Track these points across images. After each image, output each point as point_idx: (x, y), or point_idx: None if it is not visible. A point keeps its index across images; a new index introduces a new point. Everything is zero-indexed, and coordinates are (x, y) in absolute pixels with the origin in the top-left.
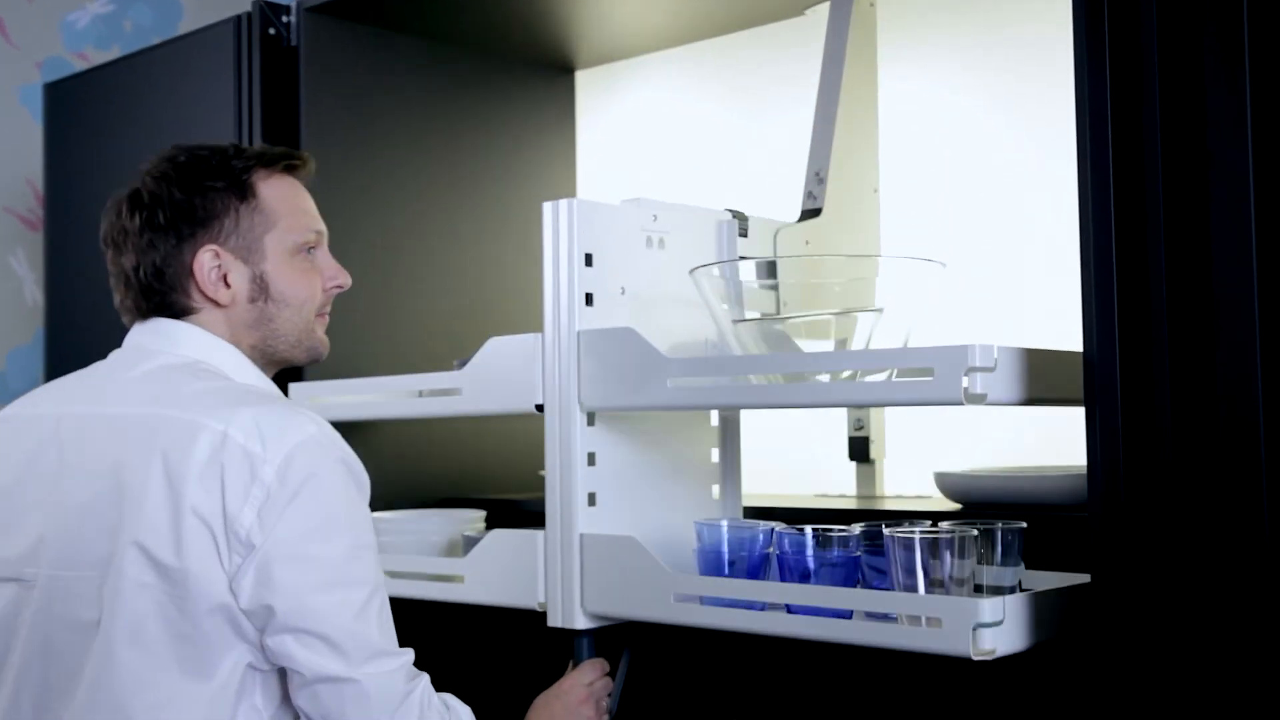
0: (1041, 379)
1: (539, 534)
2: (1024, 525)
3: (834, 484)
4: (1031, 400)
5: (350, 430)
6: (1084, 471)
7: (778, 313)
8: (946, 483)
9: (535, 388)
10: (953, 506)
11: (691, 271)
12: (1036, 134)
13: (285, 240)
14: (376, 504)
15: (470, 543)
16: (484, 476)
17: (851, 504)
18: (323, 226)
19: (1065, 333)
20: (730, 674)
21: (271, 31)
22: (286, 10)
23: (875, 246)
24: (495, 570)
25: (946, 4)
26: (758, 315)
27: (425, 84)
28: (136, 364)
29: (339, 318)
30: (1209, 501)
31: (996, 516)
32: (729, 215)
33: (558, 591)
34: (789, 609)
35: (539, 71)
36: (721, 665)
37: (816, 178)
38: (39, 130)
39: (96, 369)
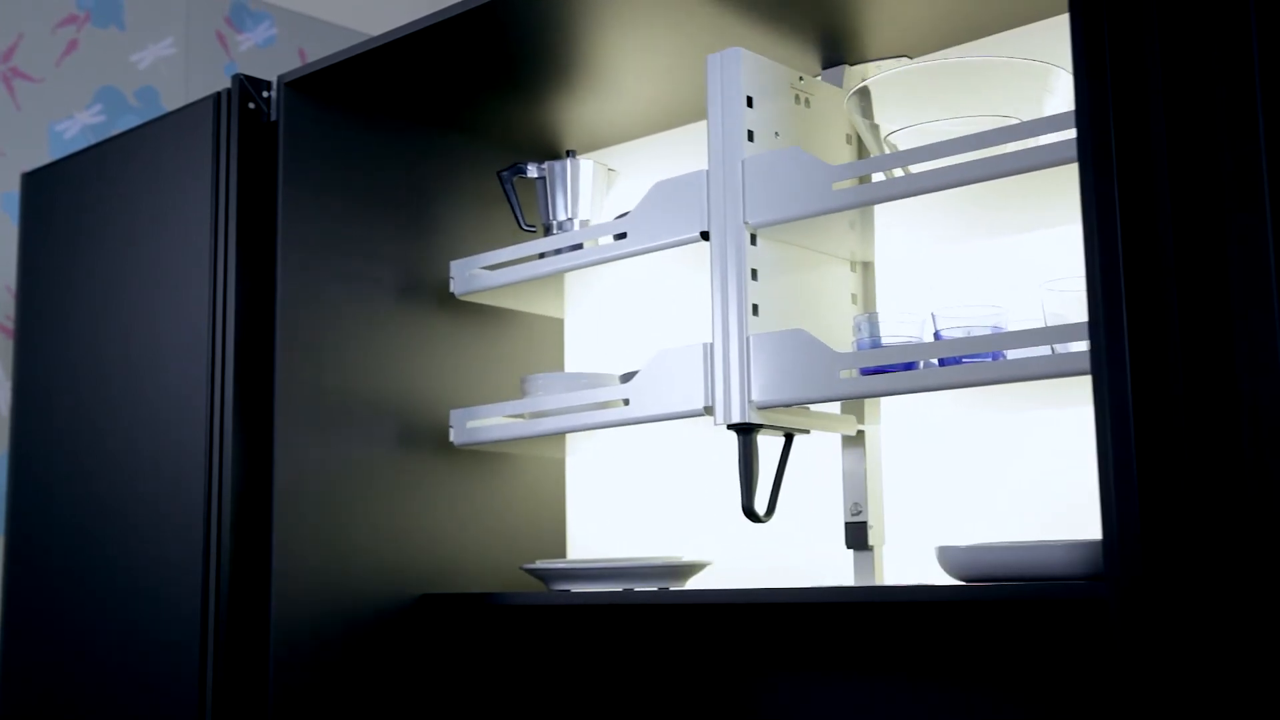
0: None
1: (701, 344)
2: None
3: (833, 574)
4: None
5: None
6: (1093, 541)
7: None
8: (948, 557)
9: (701, 213)
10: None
11: (848, 99)
12: None
13: None
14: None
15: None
16: (459, 572)
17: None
18: None
19: None
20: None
21: (251, 106)
22: (267, 86)
23: None
24: (660, 386)
25: None
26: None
27: (407, 165)
28: None
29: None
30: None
31: (1001, 592)
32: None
33: (723, 390)
34: (940, 363)
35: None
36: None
37: None
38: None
39: None
